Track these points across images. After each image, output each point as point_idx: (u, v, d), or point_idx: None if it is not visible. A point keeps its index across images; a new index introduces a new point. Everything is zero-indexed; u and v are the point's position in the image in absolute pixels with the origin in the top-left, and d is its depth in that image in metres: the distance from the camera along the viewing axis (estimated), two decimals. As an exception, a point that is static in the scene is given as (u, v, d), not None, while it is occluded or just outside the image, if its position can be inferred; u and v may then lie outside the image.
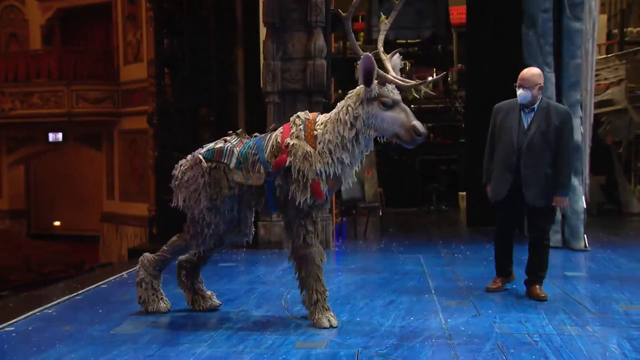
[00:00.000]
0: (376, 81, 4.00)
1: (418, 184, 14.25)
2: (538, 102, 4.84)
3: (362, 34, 18.84)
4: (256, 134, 4.48)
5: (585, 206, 7.45)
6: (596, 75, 9.52)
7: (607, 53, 16.43)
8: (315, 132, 4.12)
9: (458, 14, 14.91)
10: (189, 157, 4.52)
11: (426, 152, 14.24)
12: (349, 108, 4.06)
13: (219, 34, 9.54)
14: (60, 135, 16.81)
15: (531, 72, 4.86)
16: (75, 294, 5.36)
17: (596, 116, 9.56)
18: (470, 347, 3.71)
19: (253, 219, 4.61)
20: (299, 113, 4.33)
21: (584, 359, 3.47)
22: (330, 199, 4.47)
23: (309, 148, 4.08)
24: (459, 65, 18.30)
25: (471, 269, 6.30)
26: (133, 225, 14.73)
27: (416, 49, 17.21)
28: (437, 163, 15.14)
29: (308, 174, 4.05)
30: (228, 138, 4.45)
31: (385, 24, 4.36)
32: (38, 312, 4.74)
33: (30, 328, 4.30)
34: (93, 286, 5.70)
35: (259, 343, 3.84)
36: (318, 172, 4.06)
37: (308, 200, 4.08)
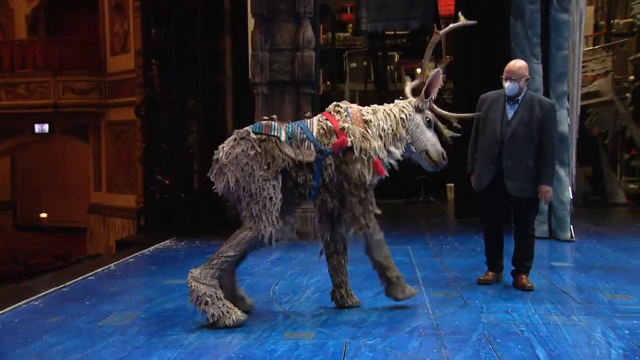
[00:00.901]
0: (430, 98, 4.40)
1: (406, 175, 14.29)
2: (523, 94, 4.89)
3: (350, 25, 18.82)
4: (289, 121, 4.48)
5: (572, 197, 7.50)
6: (583, 66, 9.56)
7: (594, 45, 16.51)
8: (365, 117, 4.33)
9: (446, 5, 14.91)
10: (230, 137, 4.25)
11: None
12: (405, 109, 4.40)
13: (206, 24, 9.47)
14: (46, 127, 16.66)
15: (518, 64, 4.90)
16: (62, 285, 5.33)
17: (583, 108, 9.62)
18: (457, 337, 3.73)
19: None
20: (338, 103, 4.47)
21: (569, 348, 3.50)
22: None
23: (363, 130, 4.28)
24: (447, 57, 18.32)
25: (459, 260, 6.34)
26: (120, 217, 14.65)
27: (404, 40, 17.19)
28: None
29: (370, 152, 4.22)
30: (270, 121, 4.30)
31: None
32: (24, 304, 4.71)
33: (16, 320, 4.28)
34: (80, 278, 5.67)
35: (247, 334, 3.84)
36: (376, 150, 4.26)
37: (372, 179, 4.26)
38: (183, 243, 7.79)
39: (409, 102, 4.45)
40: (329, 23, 18.03)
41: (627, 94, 14.78)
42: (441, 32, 4.62)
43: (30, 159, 19.81)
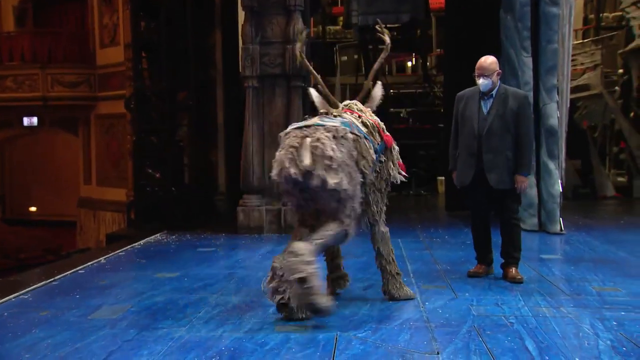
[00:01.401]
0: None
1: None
2: (496, 89, 4.95)
3: (341, 18, 18.78)
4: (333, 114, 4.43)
5: (561, 190, 7.55)
6: (572, 60, 9.59)
7: (583, 38, 16.58)
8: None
9: (437, -2, 14.90)
10: (324, 135, 3.91)
11: (405, 137, 14.30)
12: None
13: (196, 16, 9.42)
14: (35, 120, 16.51)
15: (489, 60, 4.92)
16: (52, 279, 5.31)
17: (572, 101, 9.65)
18: (447, 329, 3.76)
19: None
20: (350, 102, 4.53)
21: (558, 340, 3.53)
22: None
23: None
24: (438, 50, 18.34)
25: (449, 252, 6.37)
26: (111, 211, 14.57)
27: (395, 33, 17.18)
28: (416, 148, 15.23)
29: (397, 153, 4.49)
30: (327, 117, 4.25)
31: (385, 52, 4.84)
32: (14, 297, 4.69)
33: (5, 314, 4.27)
34: (70, 272, 5.65)
35: (238, 327, 3.84)
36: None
37: (398, 178, 4.43)
38: (174, 237, 7.77)
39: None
40: (319, 16, 18.00)
41: (616, 87, 14.86)
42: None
43: (19, 153, 19.65)
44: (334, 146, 3.88)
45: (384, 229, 4.40)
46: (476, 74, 4.92)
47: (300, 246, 3.76)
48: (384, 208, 4.42)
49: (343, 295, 4.60)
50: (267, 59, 7.77)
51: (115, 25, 14.57)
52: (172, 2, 9.13)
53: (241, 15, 8.71)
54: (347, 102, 4.56)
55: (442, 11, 13.80)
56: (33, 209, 19.66)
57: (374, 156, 4.17)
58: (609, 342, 3.49)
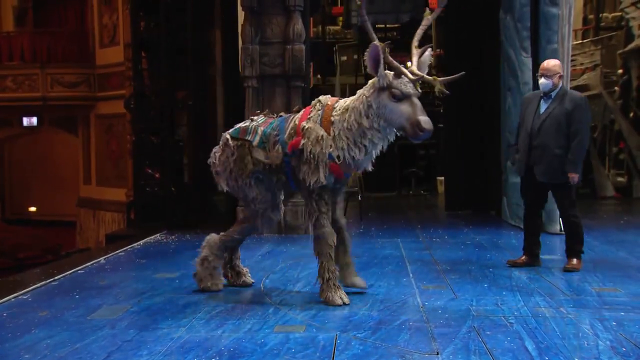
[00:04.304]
0: (391, 72, 4.08)
1: (397, 168, 14.32)
2: (557, 90, 5.28)
3: (341, 18, 18.76)
4: (282, 113, 4.69)
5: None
6: (572, 60, 9.60)
7: (582, 38, 16.58)
8: (332, 118, 4.28)
9: (437, -2, 14.89)
10: (220, 142, 4.69)
11: (405, 137, 14.30)
12: (364, 96, 4.20)
13: (196, 16, 9.41)
14: (35, 119, 16.51)
15: (552, 62, 5.35)
16: (52, 279, 5.31)
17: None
18: (447, 329, 3.75)
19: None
20: (320, 97, 4.47)
21: (558, 340, 3.53)
22: (345, 183, 4.61)
23: (322, 132, 4.25)
24: (438, 50, 18.34)
25: (449, 252, 6.37)
26: (110, 211, 14.58)
27: (395, 33, 17.19)
28: (416, 147, 15.23)
29: (319, 157, 4.23)
30: (254, 117, 4.66)
31: (427, 19, 4.42)
32: (13, 297, 4.69)
33: (5, 314, 4.26)
34: (70, 272, 5.65)
35: (238, 327, 3.84)
36: (329, 156, 4.22)
37: (318, 182, 4.24)
38: (173, 236, 7.77)
39: (369, 88, 4.21)
40: (319, 16, 17.99)
41: (616, 88, 14.85)
42: (430, 16, 4.47)
43: (19, 152, 19.65)
44: (217, 154, 4.65)
45: (317, 231, 4.39)
46: (539, 74, 5.32)
47: (213, 239, 4.81)
48: (316, 211, 4.34)
49: (343, 296, 4.59)
50: (267, 59, 7.77)
51: (114, 25, 14.57)
52: (171, 2, 9.13)
53: (241, 15, 8.70)
54: (321, 97, 4.47)
55: (442, 11, 13.81)
56: (33, 208, 19.65)
57: (267, 160, 4.42)
58: (608, 342, 3.49)
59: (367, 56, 4.05)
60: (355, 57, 18.84)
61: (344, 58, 19.45)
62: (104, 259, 6.37)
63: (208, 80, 10.32)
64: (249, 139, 4.49)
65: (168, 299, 4.59)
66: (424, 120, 4.00)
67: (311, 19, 10.54)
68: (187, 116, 9.40)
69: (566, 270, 5.32)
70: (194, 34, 9.31)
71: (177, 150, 9.48)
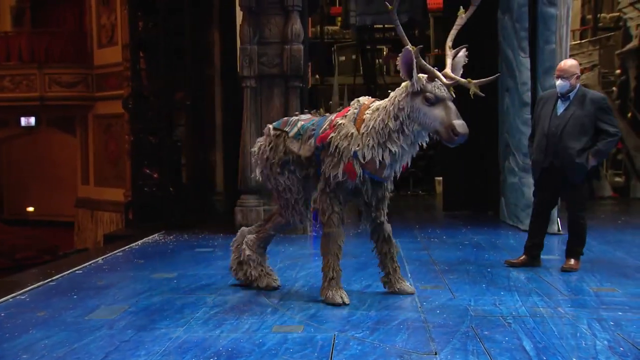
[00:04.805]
0: (425, 76, 4.06)
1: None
2: (575, 91, 5.20)
3: (339, 18, 18.76)
4: (327, 114, 4.70)
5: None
6: (570, 60, 9.60)
7: (580, 39, 16.61)
8: (364, 117, 4.28)
9: (435, -1, 14.93)
10: (264, 132, 4.80)
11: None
12: (396, 99, 4.17)
13: (194, 16, 9.42)
14: (32, 120, 16.51)
15: (568, 63, 5.28)
16: (49, 279, 5.30)
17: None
18: (445, 329, 3.76)
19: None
20: (360, 97, 4.50)
21: (556, 340, 3.54)
22: (383, 185, 4.52)
23: (353, 130, 4.27)
24: (436, 50, 18.35)
25: (447, 253, 6.37)
26: (108, 211, 14.57)
27: (393, 34, 17.19)
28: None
29: (343, 152, 4.24)
30: (302, 116, 4.72)
31: (462, 17, 4.37)
32: (11, 298, 4.68)
33: (2, 314, 4.25)
34: (68, 272, 5.64)
35: (236, 327, 3.84)
36: (353, 153, 4.21)
37: (337, 177, 4.25)
38: (171, 237, 7.76)
39: (401, 91, 4.16)
40: (317, 16, 18.00)
41: (614, 88, 14.88)
42: (464, 15, 4.40)
43: (17, 153, 19.62)
44: (259, 142, 4.75)
45: (326, 229, 4.40)
46: (555, 75, 5.24)
47: (250, 236, 4.88)
48: (330, 209, 4.35)
49: (341, 296, 4.60)
50: (265, 59, 7.77)
51: (113, 25, 14.56)
52: (170, 2, 9.13)
53: (239, 15, 8.69)
54: (360, 97, 4.51)
55: (440, 11, 13.82)
56: (30, 209, 19.62)
57: (299, 151, 4.47)
58: (606, 342, 3.49)
59: (399, 61, 4.01)
60: (354, 57, 18.84)
61: (343, 58, 19.45)
62: (102, 259, 6.36)
63: (206, 81, 10.32)
64: (287, 130, 4.58)
65: (166, 299, 4.59)
66: (459, 124, 3.96)
67: (309, 19, 10.54)
68: (185, 116, 9.41)
69: (564, 270, 5.33)
70: (192, 34, 9.32)
71: (176, 151, 9.48)
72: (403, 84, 4.18)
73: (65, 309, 4.32)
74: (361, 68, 17.82)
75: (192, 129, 9.38)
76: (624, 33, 15.22)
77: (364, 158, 4.20)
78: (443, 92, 4.02)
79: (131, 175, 9.74)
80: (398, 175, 4.47)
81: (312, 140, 4.44)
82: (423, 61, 4.02)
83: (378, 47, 18.62)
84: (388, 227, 4.64)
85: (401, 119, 4.10)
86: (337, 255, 4.40)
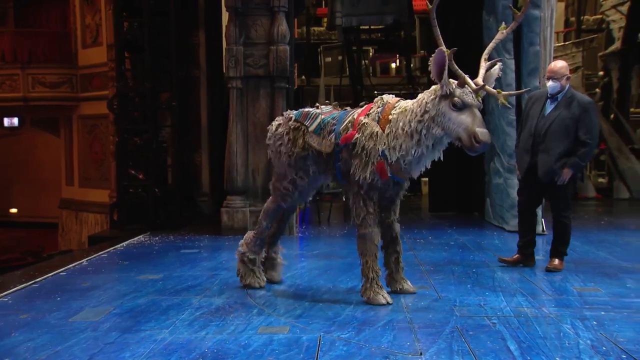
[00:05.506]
0: (455, 81, 4.04)
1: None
2: (564, 92, 5.23)
3: (325, 19, 18.78)
4: (347, 107, 4.70)
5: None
6: (554, 62, 9.68)
7: (564, 40, 16.76)
8: (390, 117, 4.26)
9: (420, 0, 14.99)
10: (283, 116, 4.86)
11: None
12: (423, 101, 4.14)
13: (180, 16, 9.37)
14: (16, 120, 16.35)
15: (559, 64, 5.30)
16: (33, 281, 5.25)
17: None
18: (430, 330, 3.77)
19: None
20: (383, 95, 4.48)
21: (540, 340, 3.56)
22: (401, 186, 4.52)
23: (377, 129, 4.25)
24: (422, 51, 18.44)
25: (433, 253, 6.40)
26: (93, 212, 14.45)
27: (379, 35, 17.25)
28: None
29: (371, 153, 4.23)
30: (322, 106, 4.70)
31: (502, 33, 4.38)
32: (-6, 301, 4.63)
33: (-15, 317, 4.21)
34: (51, 274, 5.59)
35: (221, 329, 3.83)
36: (381, 153, 4.20)
37: (367, 178, 4.23)
38: (157, 238, 7.72)
39: (430, 93, 4.14)
40: (303, 17, 18.00)
41: (597, 90, 15.04)
42: (506, 30, 4.38)
43: (0, 153, 19.41)
44: (277, 123, 4.80)
45: (362, 231, 4.38)
46: (546, 77, 5.30)
47: (249, 233, 4.94)
48: (364, 210, 4.33)
49: (327, 297, 4.61)
50: (251, 60, 7.76)
51: (97, 25, 14.45)
52: (155, 3, 9.08)
53: (225, 15, 8.67)
54: (384, 95, 4.50)
55: (425, 13, 13.86)
56: (14, 210, 19.43)
57: (320, 147, 4.46)
58: (589, 341, 3.52)
59: (431, 62, 3.99)
60: (340, 58, 18.87)
61: (329, 59, 19.47)
62: (87, 260, 6.32)
63: (192, 82, 10.28)
64: (307, 124, 4.55)
65: (151, 300, 4.56)
66: (482, 132, 3.94)
67: (296, 20, 10.53)
68: (171, 117, 9.36)
69: (548, 270, 5.37)
70: (178, 34, 9.27)
71: (161, 152, 9.43)
72: (433, 87, 4.16)
73: (49, 311, 4.28)
74: (347, 69, 17.85)
75: (178, 129, 9.33)
76: (607, 35, 15.40)
77: (389, 158, 4.19)
78: (471, 98, 4.01)
79: (116, 176, 9.66)
80: (415, 177, 4.47)
81: (332, 136, 4.41)
82: (455, 66, 4.01)
83: (364, 48, 18.66)
84: (397, 226, 4.66)
85: (425, 121, 4.09)
86: (375, 255, 4.40)
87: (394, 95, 4.49)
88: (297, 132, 4.59)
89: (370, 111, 4.37)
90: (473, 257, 6.17)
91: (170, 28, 9.04)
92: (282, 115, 4.91)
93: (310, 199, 5.40)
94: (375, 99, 4.47)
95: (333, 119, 4.49)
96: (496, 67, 4.21)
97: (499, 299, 4.48)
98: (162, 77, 9.09)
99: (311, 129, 4.52)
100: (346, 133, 4.35)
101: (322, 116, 4.55)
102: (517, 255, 5.63)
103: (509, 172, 7.64)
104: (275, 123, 4.83)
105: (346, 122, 4.41)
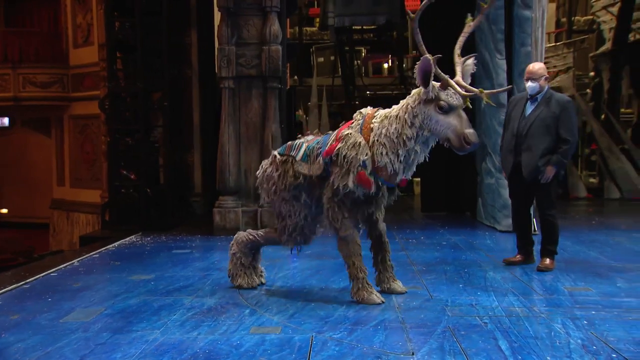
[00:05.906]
0: (437, 84, 4.09)
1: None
2: (543, 93, 5.33)
3: (317, 19, 18.78)
4: (330, 131, 4.70)
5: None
6: (545, 62, 9.73)
7: (555, 41, 16.84)
8: (371, 125, 4.29)
9: (413, 0, 15.00)
10: (269, 158, 4.80)
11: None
12: (409, 107, 4.19)
13: (172, 16, 9.35)
14: (6, 120, 16.27)
15: (537, 66, 5.44)
16: (23, 282, 5.23)
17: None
18: (422, 330, 3.78)
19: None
20: (362, 109, 4.51)
21: (531, 339, 3.58)
22: (393, 191, 4.61)
23: (361, 139, 4.28)
24: (414, 52, 18.46)
25: (425, 253, 6.41)
26: (85, 212, 14.40)
27: (372, 35, 17.28)
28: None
29: (351, 162, 4.24)
30: (306, 137, 4.70)
31: (469, 26, 4.42)
32: (-16, 302, 4.61)
33: (-25, 318, 4.18)
34: (42, 275, 5.57)
35: (213, 329, 3.82)
36: (362, 163, 4.21)
37: (347, 187, 4.24)
38: (148, 238, 7.70)
39: (413, 98, 4.20)
40: (296, 17, 17.99)
41: (588, 90, 15.11)
42: (473, 23, 4.47)
43: (-10, 153, 19.30)
44: (265, 167, 4.74)
45: (343, 233, 4.42)
46: (525, 78, 5.38)
47: (242, 234, 4.91)
48: (340, 214, 4.37)
49: (319, 297, 4.61)
50: (244, 60, 7.76)
51: (89, 24, 14.39)
52: (147, 2, 9.05)
53: (217, 15, 8.66)
54: (362, 109, 4.52)
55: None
56: (4, 210, 19.32)
57: (310, 172, 4.44)
58: (579, 341, 3.54)
59: (417, 69, 4.05)
60: (332, 58, 18.87)
61: (321, 59, 19.47)
62: (78, 261, 6.29)
63: (184, 81, 10.26)
64: (293, 154, 4.56)
65: (143, 301, 4.55)
66: (471, 132, 4.05)
67: (288, 20, 10.53)
68: (163, 117, 9.33)
69: (539, 270, 5.40)
70: (170, 34, 9.25)
71: (153, 152, 9.41)
72: (414, 90, 4.22)
73: (40, 312, 4.26)
74: (340, 69, 17.86)
75: (170, 129, 9.31)
76: (598, 36, 15.48)
77: (379, 165, 4.21)
78: (456, 100, 4.08)
79: (108, 176, 9.63)
80: (409, 179, 4.53)
81: (320, 159, 4.41)
82: (438, 69, 4.06)
83: (356, 48, 18.68)
84: (382, 225, 4.72)
85: (416, 125, 4.15)
86: (360, 254, 4.44)
87: (371, 107, 4.53)
88: (285, 164, 4.57)
89: (352, 124, 4.42)
90: (465, 257, 6.19)
91: (162, 28, 9.01)
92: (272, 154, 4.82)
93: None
94: (354, 114, 4.51)
95: (317, 143, 4.50)
96: (469, 61, 4.26)
97: (491, 298, 4.49)
98: (153, 77, 9.06)
99: (298, 157, 4.52)
100: (328, 147, 4.36)
101: (307, 144, 4.55)
102: (518, 256, 5.70)
103: (500, 172, 7.66)
104: (263, 166, 4.80)
105: (330, 141, 4.42)
